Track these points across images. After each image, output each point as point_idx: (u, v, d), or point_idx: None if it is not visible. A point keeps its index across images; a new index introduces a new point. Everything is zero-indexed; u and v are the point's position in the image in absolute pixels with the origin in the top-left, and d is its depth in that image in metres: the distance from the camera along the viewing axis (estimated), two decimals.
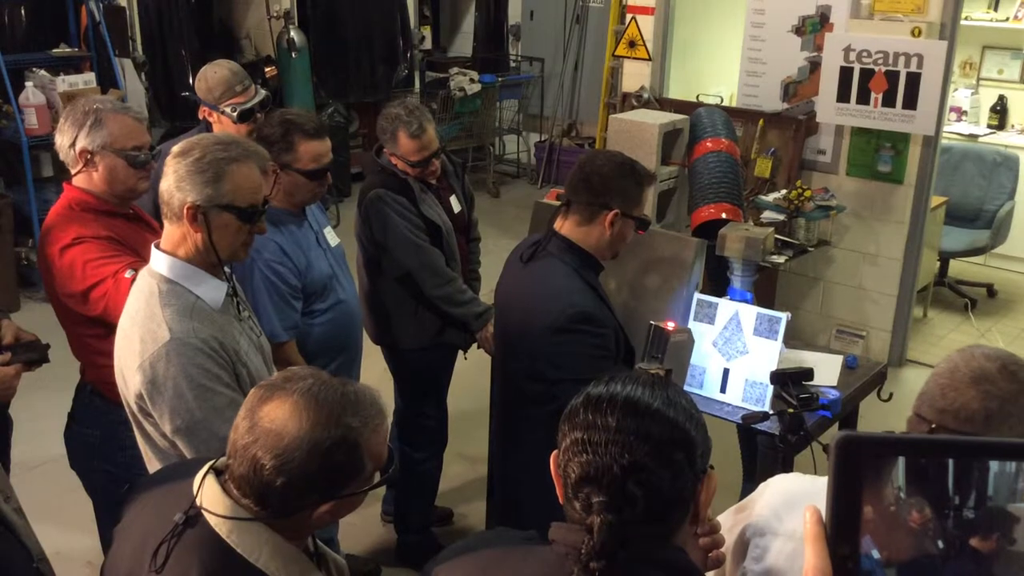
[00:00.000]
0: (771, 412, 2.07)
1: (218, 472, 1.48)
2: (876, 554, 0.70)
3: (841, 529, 0.70)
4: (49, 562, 1.78)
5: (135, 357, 1.90)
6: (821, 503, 0.73)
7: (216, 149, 1.94)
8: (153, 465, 2.02)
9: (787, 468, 2.50)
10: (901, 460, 0.69)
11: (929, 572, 0.71)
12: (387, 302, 3.32)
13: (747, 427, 2.59)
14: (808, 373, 2.41)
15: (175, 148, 1.98)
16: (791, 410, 2.30)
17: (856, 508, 0.70)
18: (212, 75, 3.29)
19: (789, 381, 2.36)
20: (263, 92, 3.38)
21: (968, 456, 0.70)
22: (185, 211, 1.92)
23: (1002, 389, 1.40)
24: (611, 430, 1.20)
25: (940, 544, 0.70)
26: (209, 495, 1.45)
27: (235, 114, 3.24)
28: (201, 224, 1.93)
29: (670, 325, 2.75)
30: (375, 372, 3.51)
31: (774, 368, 2.83)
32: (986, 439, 0.71)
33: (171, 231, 1.97)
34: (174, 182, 1.93)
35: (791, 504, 1.53)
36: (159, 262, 1.97)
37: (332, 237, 3.00)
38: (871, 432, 0.72)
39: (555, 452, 1.26)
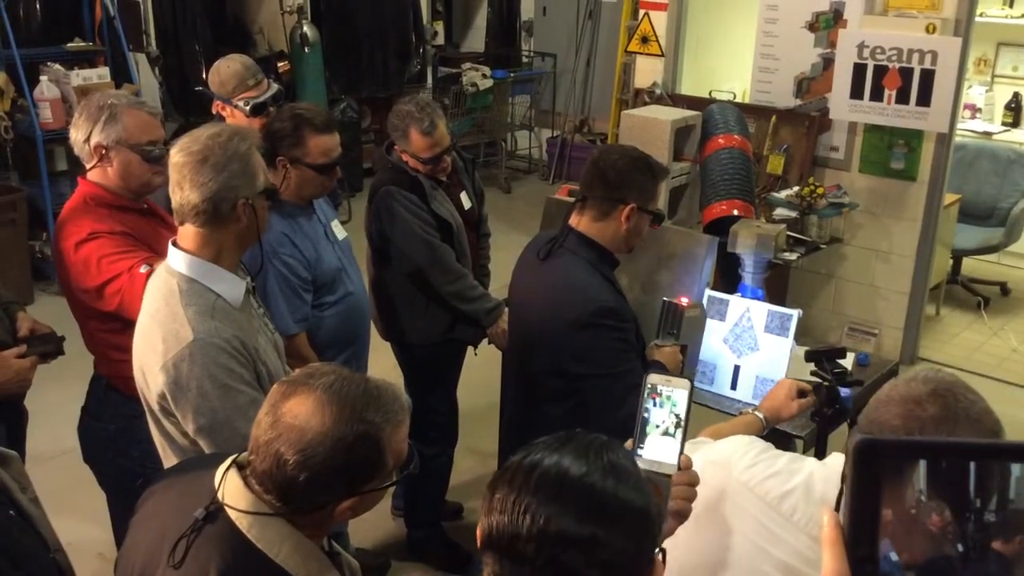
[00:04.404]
0: (808, 387, 2.12)
1: (240, 467, 1.49)
2: (895, 557, 0.70)
3: (860, 532, 0.70)
4: (65, 553, 1.79)
5: (158, 357, 1.91)
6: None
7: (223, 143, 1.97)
8: (170, 461, 2.03)
9: (821, 444, 2.52)
10: (923, 463, 0.69)
11: (949, 575, 0.70)
12: (397, 298, 3.33)
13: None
14: (841, 351, 2.47)
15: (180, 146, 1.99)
16: (826, 384, 2.33)
17: (875, 511, 0.69)
18: (225, 69, 3.30)
19: (823, 358, 2.41)
20: (276, 86, 3.39)
21: (989, 459, 0.69)
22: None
23: (927, 412, 1.41)
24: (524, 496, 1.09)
25: (960, 547, 0.69)
26: (231, 490, 1.45)
27: (248, 108, 3.25)
28: (248, 214, 1.98)
29: (684, 301, 2.75)
30: (384, 367, 3.52)
31: (786, 366, 2.84)
32: (1009, 442, 0.70)
33: (191, 228, 1.97)
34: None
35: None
36: (178, 260, 1.97)
37: (339, 230, 3.01)
38: (891, 435, 0.72)
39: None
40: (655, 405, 1.38)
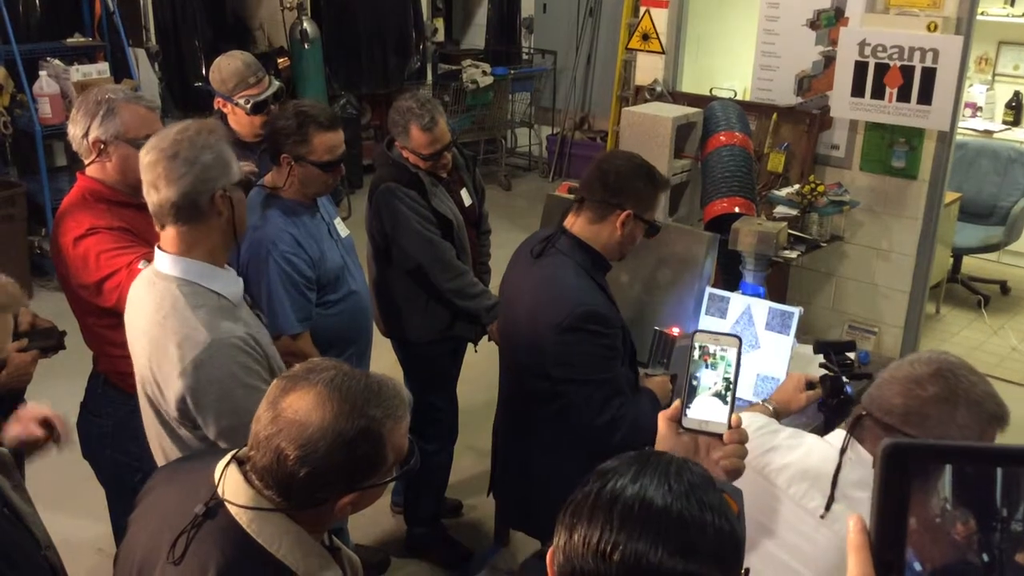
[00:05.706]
0: (816, 379, 2.17)
1: (239, 462, 1.48)
2: (918, 566, 0.69)
3: (886, 536, 0.69)
4: (56, 550, 1.78)
5: (174, 364, 1.87)
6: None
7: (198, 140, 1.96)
8: None
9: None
10: (948, 469, 0.68)
11: None
12: (397, 295, 3.32)
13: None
14: (850, 344, 2.48)
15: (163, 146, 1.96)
16: (832, 374, 2.35)
17: (902, 516, 0.68)
18: (226, 66, 3.29)
19: (831, 350, 2.43)
20: (277, 83, 3.38)
21: (1018, 465, 0.68)
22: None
23: (927, 392, 1.44)
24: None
25: (985, 557, 0.68)
26: (231, 485, 1.45)
27: (248, 106, 3.24)
28: (226, 206, 1.95)
29: (675, 331, 2.75)
30: (385, 364, 3.51)
31: (786, 363, 2.83)
32: None
33: (173, 230, 1.94)
34: None
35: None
36: (169, 264, 1.94)
37: (342, 228, 3.00)
38: (919, 439, 0.71)
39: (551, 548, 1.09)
40: (707, 367, 1.37)
